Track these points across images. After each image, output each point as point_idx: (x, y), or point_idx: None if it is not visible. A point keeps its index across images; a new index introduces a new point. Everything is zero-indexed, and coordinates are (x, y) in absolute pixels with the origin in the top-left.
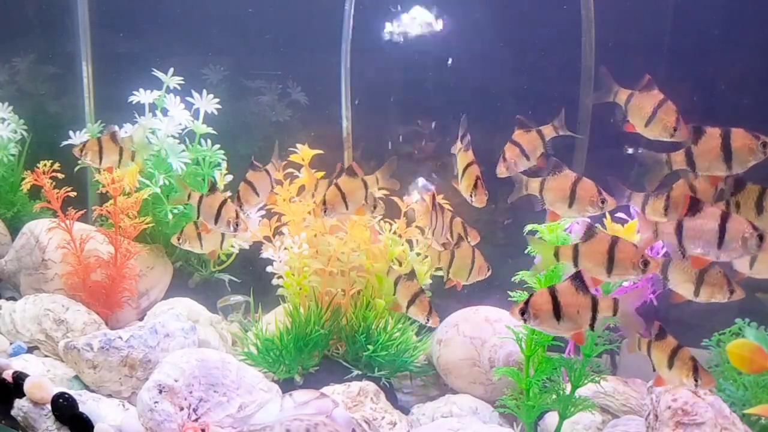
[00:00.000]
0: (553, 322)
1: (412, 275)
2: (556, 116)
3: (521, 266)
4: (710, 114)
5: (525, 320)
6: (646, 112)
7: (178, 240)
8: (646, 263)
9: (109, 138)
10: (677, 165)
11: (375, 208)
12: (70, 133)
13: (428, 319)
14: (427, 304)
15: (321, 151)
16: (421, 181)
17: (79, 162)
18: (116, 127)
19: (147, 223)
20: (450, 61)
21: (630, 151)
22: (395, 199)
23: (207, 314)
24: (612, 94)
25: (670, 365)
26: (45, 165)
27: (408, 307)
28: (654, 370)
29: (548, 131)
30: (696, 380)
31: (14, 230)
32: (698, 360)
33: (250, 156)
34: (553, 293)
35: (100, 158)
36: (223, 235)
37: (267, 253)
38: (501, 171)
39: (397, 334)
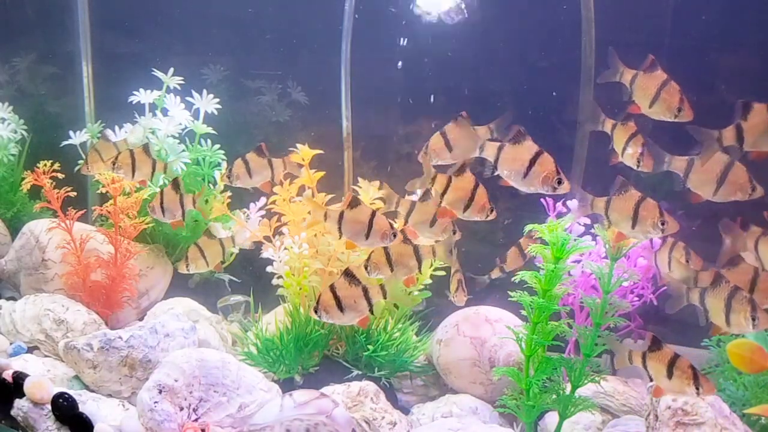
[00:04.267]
0: (339, 313)
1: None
2: (499, 118)
3: (521, 266)
4: (710, 114)
5: (319, 317)
6: (650, 93)
7: (186, 267)
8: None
9: (142, 151)
10: (728, 142)
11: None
12: (70, 133)
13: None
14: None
15: (321, 151)
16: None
17: (79, 163)
18: (109, 132)
19: (147, 223)
20: (399, 64)
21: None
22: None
23: (207, 314)
24: (618, 74)
25: (669, 375)
26: (45, 165)
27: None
28: (651, 380)
29: (483, 132)
30: (697, 388)
31: (14, 230)
32: (697, 365)
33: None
34: (333, 290)
35: (133, 171)
36: (223, 246)
37: (267, 253)
38: (422, 158)
39: (397, 334)
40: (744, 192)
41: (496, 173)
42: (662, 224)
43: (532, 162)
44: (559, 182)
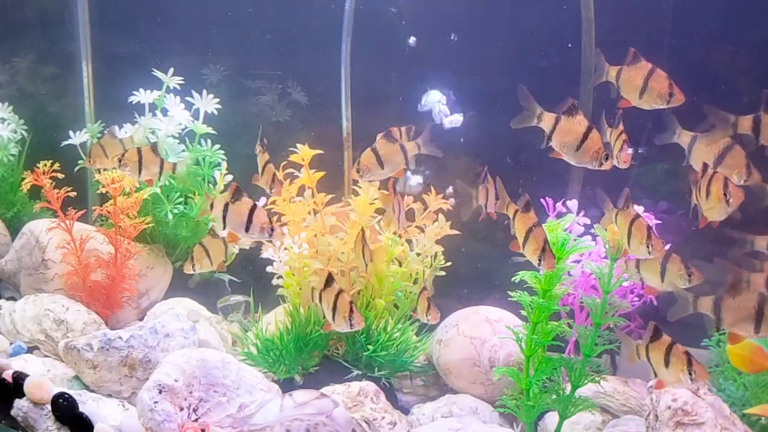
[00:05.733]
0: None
1: None
2: (424, 131)
3: (521, 266)
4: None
5: (361, 176)
6: (637, 84)
7: (192, 267)
8: None
9: (150, 150)
10: (743, 129)
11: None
12: (70, 133)
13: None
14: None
15: (321, 151)
16: (414, 179)
17: (79, 163)
18: (116, 128)
19: (147, 223)
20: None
21: (629, 151)
22: None
23: (207, 314)
24: (605, 74)
25: (667, 363)
26: (45, 165)
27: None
28: (655, 375)
29: (411, 147)
30: (690, 374)
31: (14, 230)
32: (695, 356)
33: (250, 156)
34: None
35: (140, 169)
36: (226, 245)
37: (267, 253)
38: (354, 175)
39: (397, 334)
40: (739, 176)
41: (549, 144)
42: (648, 246)
43: (585, 136)
44: (606, 158)
